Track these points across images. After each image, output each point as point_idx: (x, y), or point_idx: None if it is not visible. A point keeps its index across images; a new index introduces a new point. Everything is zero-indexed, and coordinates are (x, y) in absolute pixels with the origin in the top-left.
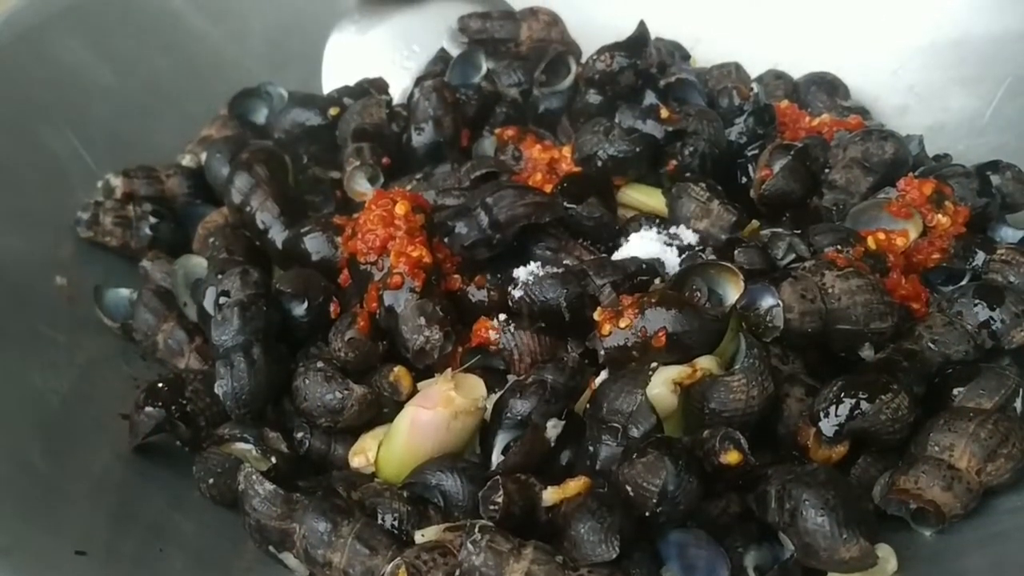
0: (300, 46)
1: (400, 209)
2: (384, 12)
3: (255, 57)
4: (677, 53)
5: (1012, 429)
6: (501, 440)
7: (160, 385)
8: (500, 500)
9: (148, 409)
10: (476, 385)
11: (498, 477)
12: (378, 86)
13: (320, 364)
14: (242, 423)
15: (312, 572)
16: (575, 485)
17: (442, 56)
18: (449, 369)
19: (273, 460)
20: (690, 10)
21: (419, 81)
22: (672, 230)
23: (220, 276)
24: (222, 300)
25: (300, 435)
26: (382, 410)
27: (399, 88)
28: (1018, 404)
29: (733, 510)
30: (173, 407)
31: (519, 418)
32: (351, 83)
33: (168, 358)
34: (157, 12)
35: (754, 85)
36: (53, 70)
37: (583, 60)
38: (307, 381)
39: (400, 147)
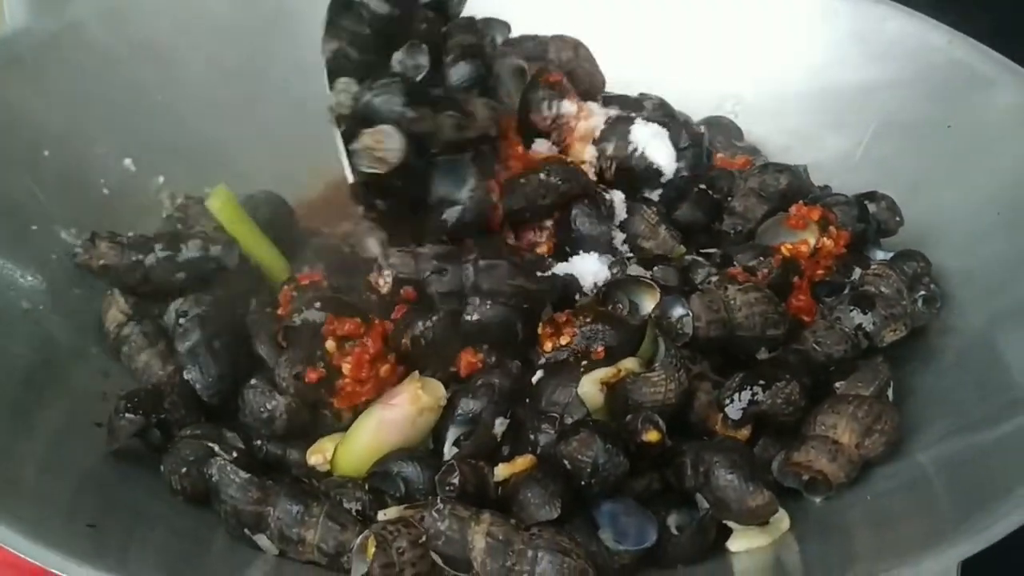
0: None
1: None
2: None
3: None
4: None
5: (884, 410)
6: (452, 435)
7: (139, 396)
8: (456, 480)
9: (128, 416)
10: (437, 387)
11: (453, 462)
12: None
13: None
14: (210, 413)
15: (284, 550)
16: (522, 462)
17: None
18: (416, 372)
19: (235, 455)
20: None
21: None
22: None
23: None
24: (181, 320)
25: (259, 443)
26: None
27: None
28: (890, 393)
29: (655, 487)
30: (151, 415)
31: (469, 416)
32: None
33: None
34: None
35: None
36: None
37: None
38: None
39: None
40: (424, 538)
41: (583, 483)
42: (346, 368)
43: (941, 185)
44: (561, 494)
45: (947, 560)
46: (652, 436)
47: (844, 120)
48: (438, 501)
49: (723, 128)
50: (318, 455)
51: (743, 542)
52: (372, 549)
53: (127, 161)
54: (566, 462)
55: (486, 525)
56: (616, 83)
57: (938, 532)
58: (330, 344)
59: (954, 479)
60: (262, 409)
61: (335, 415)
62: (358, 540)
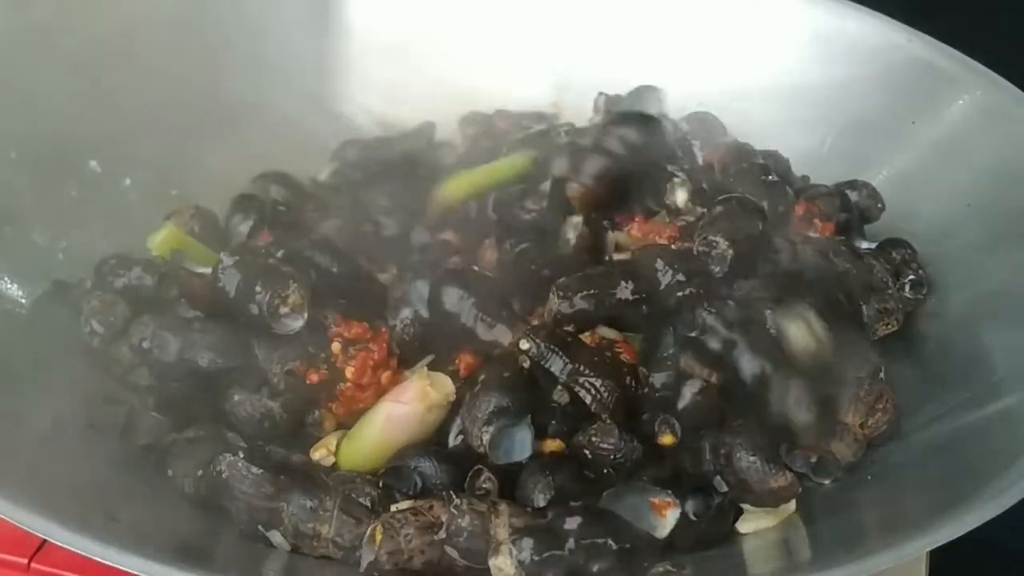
0: None
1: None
2: None
3: None
4: None
5: (884, 390)
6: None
7: (168, 394)
8: (489, 485)
9: (156, 415)
10: (446, 382)
11: (480, 465)
12: None
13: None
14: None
15: (297, 545)
16: (552, 444)
17: None
18: (424, 367)
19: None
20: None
21: None
22: None
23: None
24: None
25: (260, 443)
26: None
27: None
28: (883, 377)
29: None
30: (178, 415)
31: None
32: None
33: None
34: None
35: None
36: None
37: None
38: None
39: None
40: (434, 527)
41: (604, 470)
42: (349, 372)
43: (908, 180)
44: (560, 486)
45: (945, 537)
46: (667, 440)
47: (808, 119)
48: (454, 497)
49: (707, 124)
50: (322, 449)
51: (751, 524)
52: (379, 537)
53: (92, 163)
54: (587, 452)
55: (506, 517)
56: (577, 83)
57: (935, 509)
58: (336, 347)
59: (946, 460)
60: (255, 415)
61: (318, 421)
62: (368, 531)
